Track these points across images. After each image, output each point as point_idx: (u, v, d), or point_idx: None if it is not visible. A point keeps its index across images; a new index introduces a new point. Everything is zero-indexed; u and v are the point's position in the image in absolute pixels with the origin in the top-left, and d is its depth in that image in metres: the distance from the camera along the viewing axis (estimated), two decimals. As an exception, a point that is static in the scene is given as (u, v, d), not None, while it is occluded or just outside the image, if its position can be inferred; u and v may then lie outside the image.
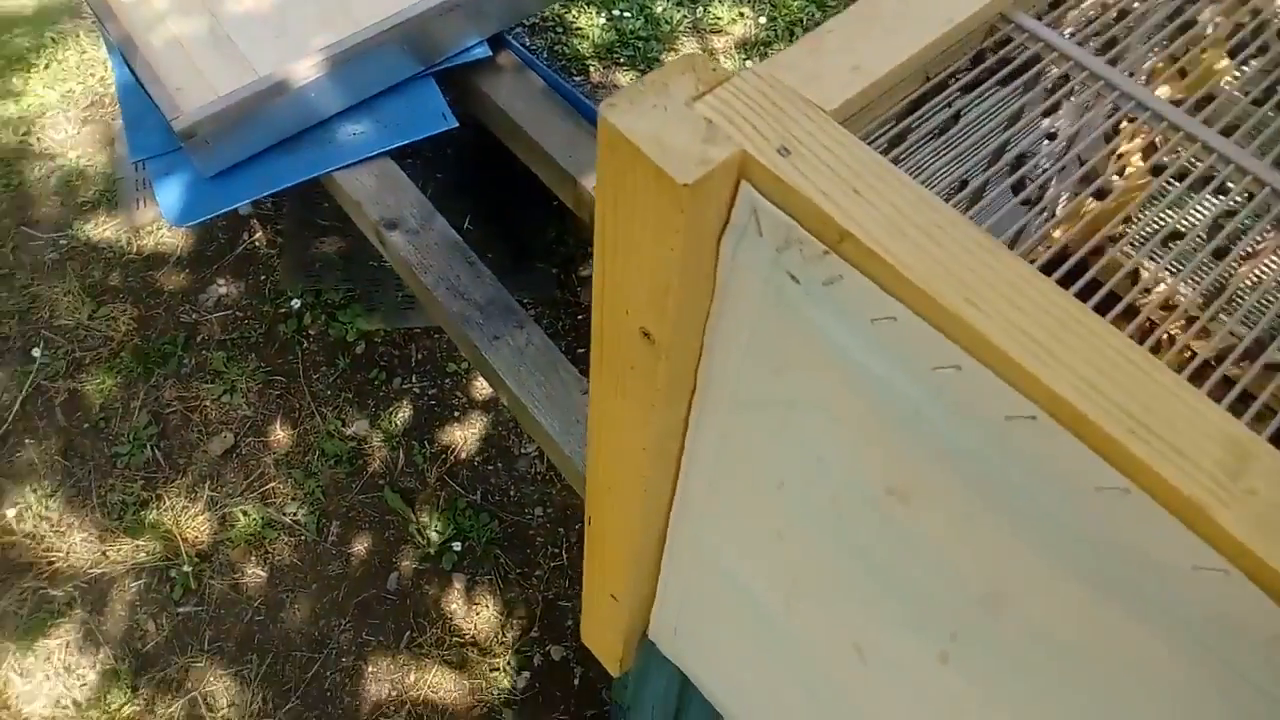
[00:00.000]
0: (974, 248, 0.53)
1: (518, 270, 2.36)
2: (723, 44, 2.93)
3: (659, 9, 2.99)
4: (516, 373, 1.68)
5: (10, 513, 2.10)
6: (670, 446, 0.81)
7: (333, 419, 2.22)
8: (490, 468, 2.19)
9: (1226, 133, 0.68)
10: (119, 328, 2.33)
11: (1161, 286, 0.92)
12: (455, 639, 2.00)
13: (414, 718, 1.92)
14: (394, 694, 1.94)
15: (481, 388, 2.28)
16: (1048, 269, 0.58)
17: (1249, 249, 0.71)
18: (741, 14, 3.00)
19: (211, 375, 2.27)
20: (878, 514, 0.63)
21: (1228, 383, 0.62)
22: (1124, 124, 0.72)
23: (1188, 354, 0.76)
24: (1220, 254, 0.70)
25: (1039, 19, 0.67)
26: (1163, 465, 0.46)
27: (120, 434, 2.19)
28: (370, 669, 1.97)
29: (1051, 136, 0.74)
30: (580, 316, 2.38)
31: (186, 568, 2.04)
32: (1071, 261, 0.65)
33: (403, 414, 2.24)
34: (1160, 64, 0.79)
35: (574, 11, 2.96)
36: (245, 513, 2.10)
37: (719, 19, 2.98)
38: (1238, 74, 0.79)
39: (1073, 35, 0.72)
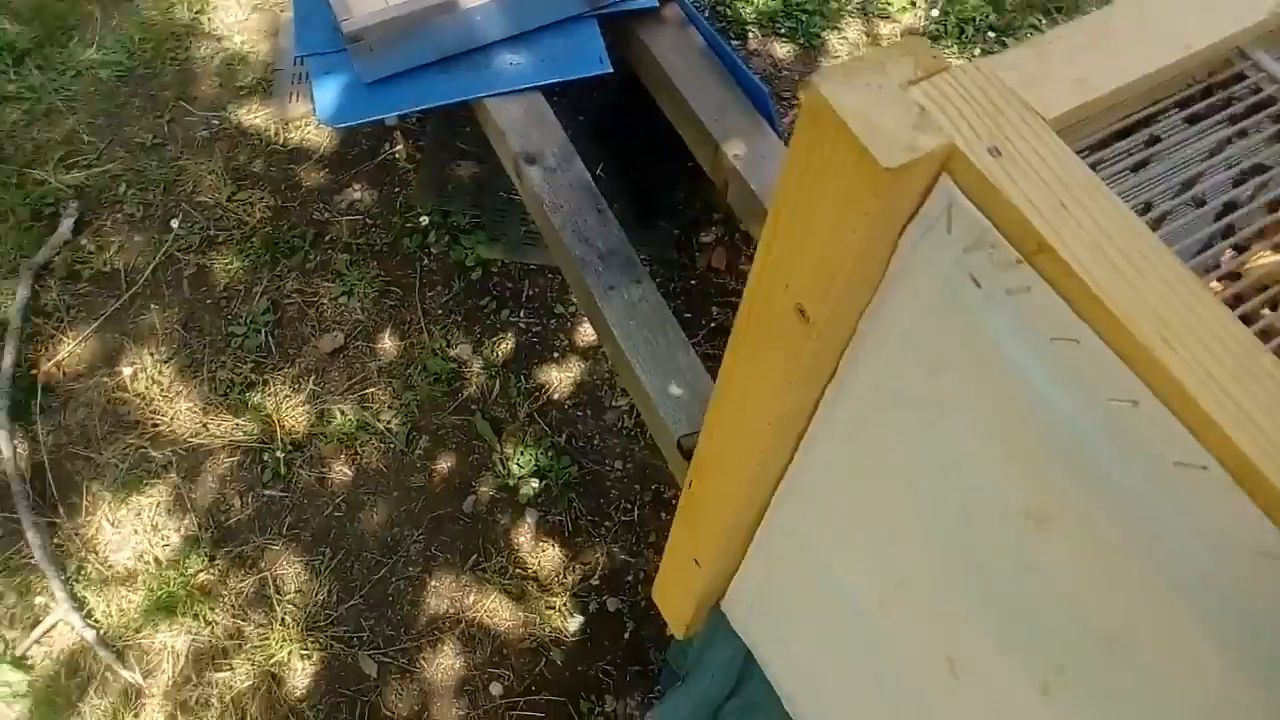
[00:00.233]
0: (1175, 283, 0.51)
1: (640, 225, 2.36)
2: (888, 31, 2.85)
3: (830, -15, 2.93)
4: (625, 326, 1.69)
5: (127, 371, 2.21)
6: (795, 426, 0.81)
7: (439, 338, 2.27)
8: (580, 414, 2.22)
9: None
10: (254, 214, 2.42)
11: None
12: (518, 571, 2.04)
13: (466, 637, 1.97)
14: (451, 611, 2.00)
15: (585, 334, 2.30)
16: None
17: None
18: (913, 2, 2.91)
19: (333, 275, 2.34)
20: (1009, 533, 0.62)
21: None
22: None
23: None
24: None
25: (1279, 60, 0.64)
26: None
27: (239, 315, 2.28)
28: (433, 583, 2.02)
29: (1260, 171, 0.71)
30: (693, 281, 2.37)
31: (279, 453, 2.12)
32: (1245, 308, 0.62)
33: (505, 345, 2.28)
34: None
35: (742, -26, 2.92)
36: (342, 411, 2.18)
37: (889, 5, 2.90)
38: None
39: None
